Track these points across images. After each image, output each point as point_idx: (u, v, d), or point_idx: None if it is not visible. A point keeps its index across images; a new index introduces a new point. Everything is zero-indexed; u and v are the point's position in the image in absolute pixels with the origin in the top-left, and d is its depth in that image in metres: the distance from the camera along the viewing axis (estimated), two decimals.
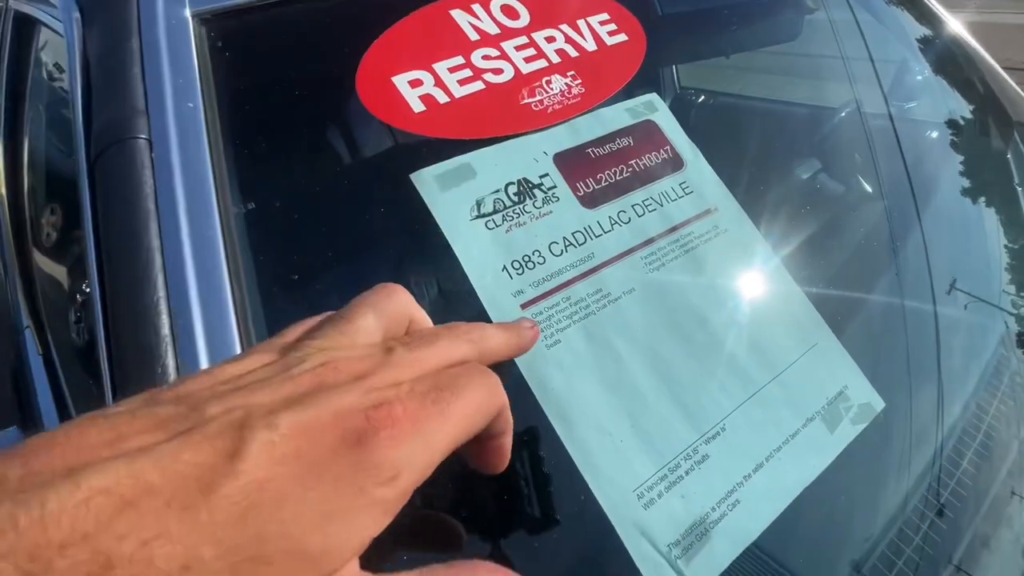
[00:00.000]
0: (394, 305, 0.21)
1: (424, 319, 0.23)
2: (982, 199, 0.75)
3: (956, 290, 0.60)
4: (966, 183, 0.75)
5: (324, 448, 0.15)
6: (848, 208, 0.66)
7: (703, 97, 1.13)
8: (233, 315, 0.27)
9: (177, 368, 0.25)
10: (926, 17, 0.85)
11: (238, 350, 0.26)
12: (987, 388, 0.50)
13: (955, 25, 0.86)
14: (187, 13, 0.33)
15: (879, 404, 0.37)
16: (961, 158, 0.77)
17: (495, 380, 0.19)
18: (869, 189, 0.69)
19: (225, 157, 0.30)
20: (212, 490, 0.14)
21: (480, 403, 0.19)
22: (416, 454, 0.16)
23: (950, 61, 0.86)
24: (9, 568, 0.12)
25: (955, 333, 0.54)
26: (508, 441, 0.21)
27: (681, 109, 1.14)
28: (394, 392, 0.17)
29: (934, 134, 0.80)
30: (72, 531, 0.12)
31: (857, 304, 0.50)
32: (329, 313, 0.21)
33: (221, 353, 0.26)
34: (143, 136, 0.29)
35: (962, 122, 0.81)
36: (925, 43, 0.88)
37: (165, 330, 0.25)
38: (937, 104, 0.83)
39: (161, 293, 0.26)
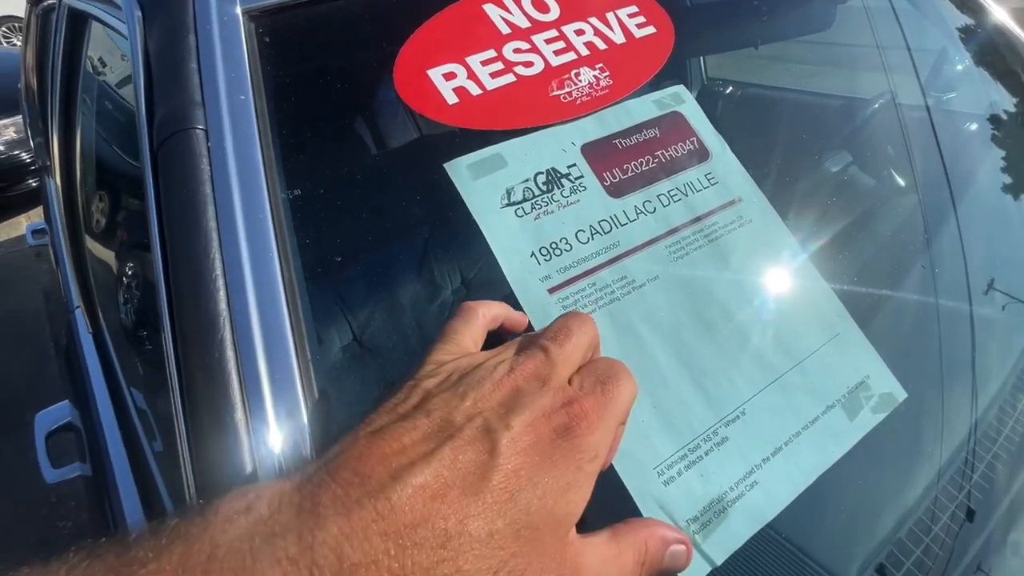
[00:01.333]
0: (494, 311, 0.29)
1: (513, 315, 0.30)
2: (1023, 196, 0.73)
3: (994, 290, 0.58)
4: (1007, 179, 0.73)
5: (545, 440, 0.21)
6: (878, 201, 0.65)
7: (730, 88, 1.12)
8: (282, 291, 0.29)
9: (234, 339, 0.27)
10: (967, 4, 0.82)
11: (287, 323, 0.28)
12: (1016, 385, 0.49)
13: (998, 11, 0.83)
14: (238, 10, 0.35)
15: (901, 394, 0.37)
16: (1002, 153, 0.75)
17: (628, 369, 0.25)
18: (901, 182, 0.67)
19: (273, 146, 0.32)
20: (487, 479, 0.19)
21: (632, 390, 0.24)
22: (604, 435, 0.22)
23: (992, 50, 0.83)
24: (390, 544, 0.17)
25: (985, 329, 0.53)
26: (623, 430, 0.26)
27: (708, 100, 1.13)
28: (573, 392, 0.23)
29: (974, 126, 0.78)
30: (413, 515, 0.18)
31: (884, 296, 0.50)
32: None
33: (272, 325, 0.28)
34: (200, 127, 0.31)
35: (1004, 115, 0.78)
36: (966, 31, 0.85)
37: (223, 305, 0.28)
38: (978, 95, 0.80)
39: (219, 271, 0.28)
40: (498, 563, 0.18)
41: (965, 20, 0.84)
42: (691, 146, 0.41)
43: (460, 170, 0.35)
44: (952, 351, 0.49)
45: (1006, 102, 0.80)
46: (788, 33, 0.69)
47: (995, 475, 0.44)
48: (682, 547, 0.24)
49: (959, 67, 0.83)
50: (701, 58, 1.14)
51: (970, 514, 0.41)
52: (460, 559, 0.17)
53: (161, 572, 0.15)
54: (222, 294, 0.28)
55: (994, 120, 0.78)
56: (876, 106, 0.77)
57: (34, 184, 2.84)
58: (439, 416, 0.21)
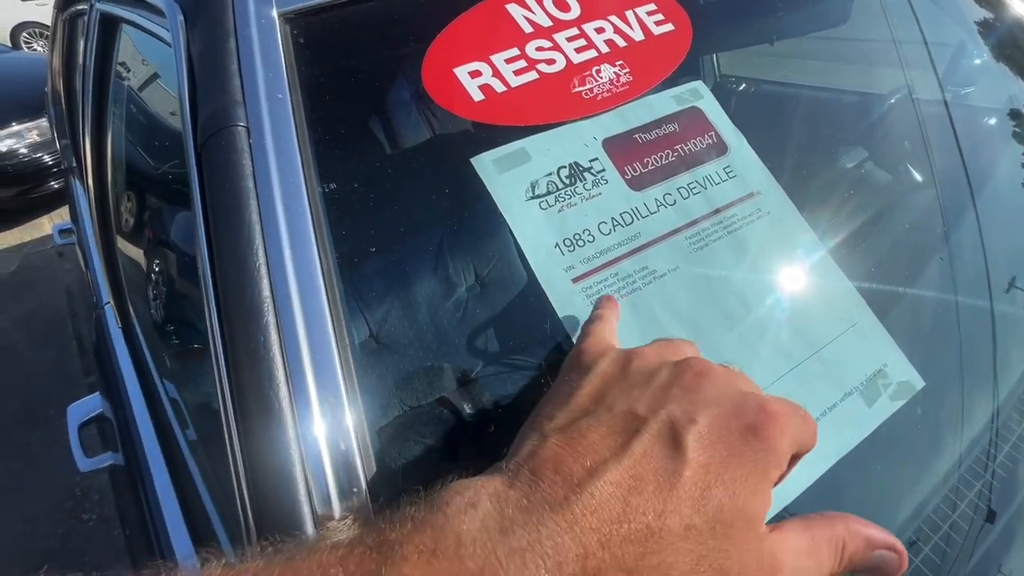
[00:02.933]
0: None
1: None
2: None
3: (1015, 288, 0.58)
4: None
5: (735, 437, 0.21)
6: (894, 195, 0.66)
7: (744, 84, 1.12)
8: (321, 280, 0.30)
9: (277, 324, 0.29)
10: None
11: (326, 310, 0.30)
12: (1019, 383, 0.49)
13: (1017, 3, 0.83)
14: (274, 13, 0.37)
15: (919, 382, 0.37)
16: (1023, 148, 0.74)
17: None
18: (918, 177, 0.67)
19: (310, 142, 0.34)
20: (678, 474, 0.20)
21: (816, 429, 0.23)
22: (790, 446, 0.22)
23: (1011, 42, 0.83)
24: (600, 538, 0.18)
25: (1006, 326, 0.53)
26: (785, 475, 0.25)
27: (721, 96, 1.13)
28: (766, 396, 0.22)
29: (992, 121, 0.78)
30: (615, 511, 0.18)
31: (904, 290, 0.50)
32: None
33: (312, 311, 0.29)
34: (242, 124, 0.33)
35: None
36: (984, 23, 0.84)
37: (266, 292, 0.29)
38: (997, 89, 0.80)
39: (261, 260, 0.30)
40: (698, 556, 0.19)
41: (983, 13, 0.84)
42: (709, 140, 0.42)
43: (486, 165, 0.37)
44: (973, 347, 0.50)
45: None
46: (803, 29, 0.69)
47: (1016, 474, 0.44)
48: (893, 555, 0.22)
49: (977, 61, 0.82)
50: (714, 55, 1.14)
51: (990, 515, 0.42)
52: (663, 552, 0.18)
53: (422, 551, 0.17)
54: (265, 282, 0.29)
55: (1014, 115, 0.77)
56: (892, 101, 0.76)
57: (56, 186, 2.91)
58: (621, 409, 0.22)
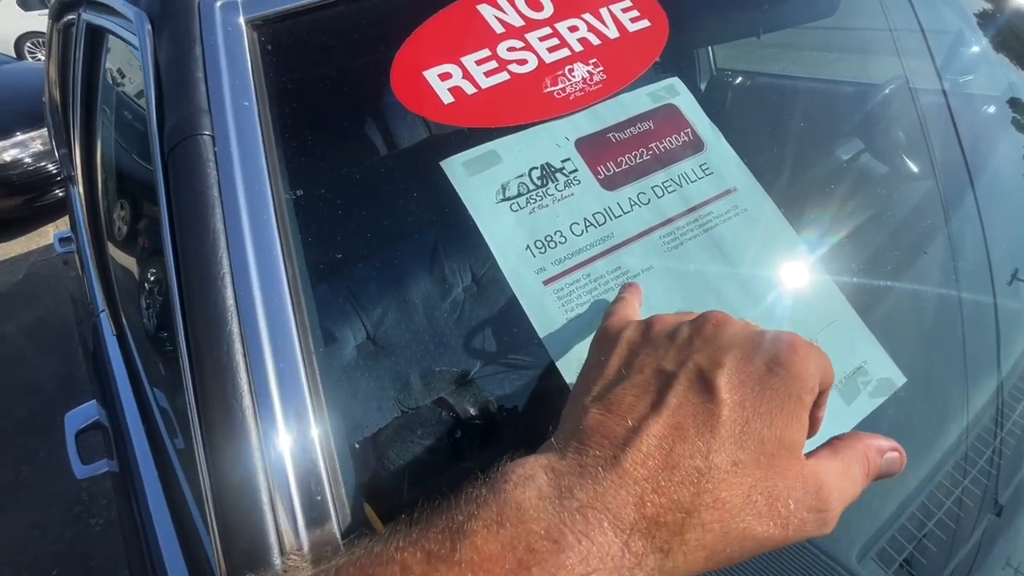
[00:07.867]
0: None
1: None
2: None
3: (1018, 280, 0.57)
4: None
5: (761, 372, 0.22)
6: (890, 188, 0.64)
7: (740, 78, 1.11)
8: (286, 287, 0.30)
9: (241, 332, 0.29)
10: None
11: (291, 317, 0.30)
12: (1021, 377, 0.48)
13: None
14: (241, 20, 0.37)
15: (900, 379, 0.37)
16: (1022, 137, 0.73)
17: None
18: (915, 169, 0.66)
19: (276, 149, 0.34)
20: (716, 417, 0.21)
21: (831, 367, 0.24)
22: (816, 369, 0.23)
23: (1010, 29, 0.81)
24: (651, 485, 0.19)
25: (1010, 319, 0.52)
26: (826, 401, 0.25)
27: (718, 91, 1.12)
28: (777, 331, 0.24)
29: (992, 109, 0.76)
30: (663, 460, 0.20)
31: (900, 281, 0.49)
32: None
33: (277, 319, 0.29)
34: (207, 132, 0.33)
35: None
36: (982, 11, 0.83)
37: (230, 300, 0.29)
38: (996, 77, 0.78)
39: (226, 268, 0.30)
40: (748, 488, 0.20)
41: (981, 2, 0.82)
42: (685, 137, 0.42)
43: (456, 167, 0.36)
44: (976, 340, 0.49)
45: None
46: (791, 21, 0.69)
47: (1003, 463, 0.43)
48: (896, 454, 0.24)
49: (976, 49, 0.81)
50: (710, 49, 1.13)
51: (999, 509, 0.41)
52: (716, 489, 0.20)
53: (489, 523, 0.19)
54: (229, 290, 0.29)
55: (1013, 103, 0.76)
56: (888, 91, 0.75)
57: (61, 194, 2.94)
58: (651, 370, 0.23)
